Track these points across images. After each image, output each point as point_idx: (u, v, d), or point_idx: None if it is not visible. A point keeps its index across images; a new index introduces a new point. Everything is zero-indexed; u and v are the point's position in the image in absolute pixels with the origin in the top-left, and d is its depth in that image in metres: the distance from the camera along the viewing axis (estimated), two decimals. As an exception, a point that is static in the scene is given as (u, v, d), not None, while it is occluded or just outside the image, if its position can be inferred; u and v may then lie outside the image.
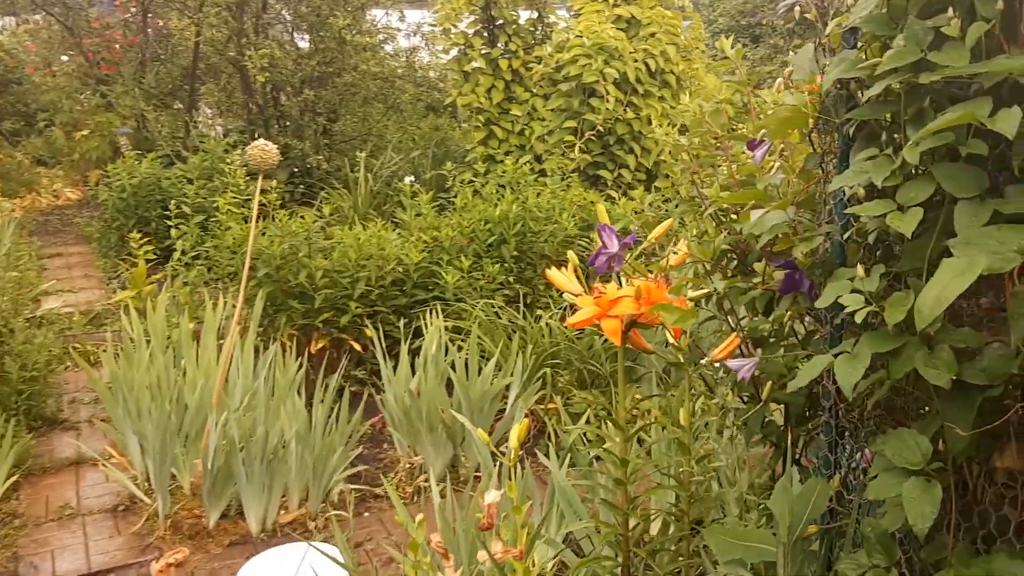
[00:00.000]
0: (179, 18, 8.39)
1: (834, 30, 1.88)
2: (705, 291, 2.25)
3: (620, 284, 2.10)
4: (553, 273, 2.15)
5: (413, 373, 3.90)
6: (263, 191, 7.54)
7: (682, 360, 2.06)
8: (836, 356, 1.67)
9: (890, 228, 1.58)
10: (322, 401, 3.69)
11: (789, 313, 2.24)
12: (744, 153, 2.51)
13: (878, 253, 1.84)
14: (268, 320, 4.40)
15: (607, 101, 5.29)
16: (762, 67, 8.88)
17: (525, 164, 5.67)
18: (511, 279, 4.83)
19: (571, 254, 2.19)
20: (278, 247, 4.31)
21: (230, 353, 3.73)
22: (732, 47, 2.49)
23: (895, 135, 1.71)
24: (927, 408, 1.73)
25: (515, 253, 4.94)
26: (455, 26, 7.07)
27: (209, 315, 4.10)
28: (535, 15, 7.23)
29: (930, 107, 1.65)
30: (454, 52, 7.23)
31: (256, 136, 7.93)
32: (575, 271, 2.16)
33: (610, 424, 2.46)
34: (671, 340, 2.05)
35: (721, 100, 2.69)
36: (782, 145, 2.38)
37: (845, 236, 1.89)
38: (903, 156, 1.56)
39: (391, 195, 7.61)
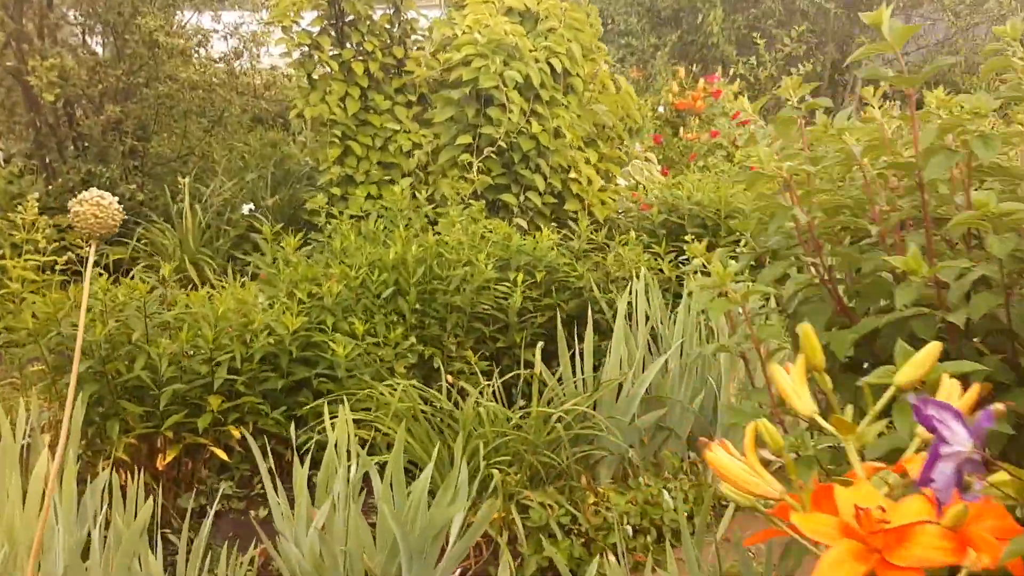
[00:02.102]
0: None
1: None
2: None
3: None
4: (719, 458, 1.13)
5: (312, 499, 2.80)
6: (59, 229, 6.09)
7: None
8: None
9: None
10: (187, 560, 2.54)
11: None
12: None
13: None
14: (94, 430, 3.16)
15: (510, 111, 4.33)
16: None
17: (407, 188, 4.62)
18: (413, 339, 3.79)
19: (755, 428, 1.14)
20: (101, 329, 3.07)
21: (50, 495, 2.50)
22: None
23: None
24: None
25: (416, 306, 3.90)
26: (296, 23, 5.90)
27: (6, 433, 2.82)
28: (391, 10, 6.16)
29: None
30: (295, 55, 6.05)
31: (48, 163, 6.43)
32: (752, 448, 1.15)
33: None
34: None
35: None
36: None
37: None
38: None
39: (224, 229, 6.33)
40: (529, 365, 4.13)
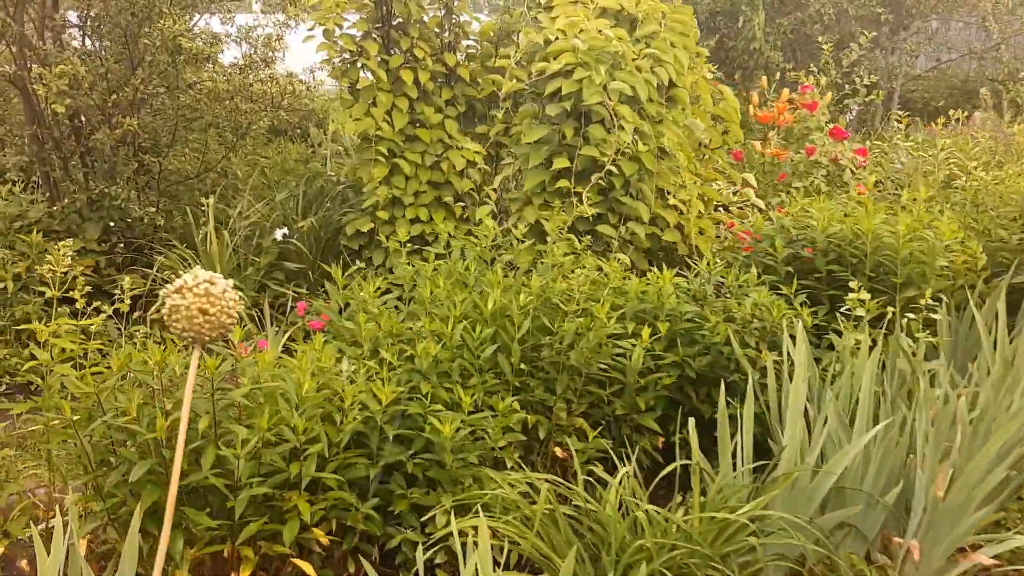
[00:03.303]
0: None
1: None
2: None
3: None
4: None
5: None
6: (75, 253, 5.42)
7: None
8: None
9: None
10: None
11: None
12: None
13: None
14: (150, 546, 2.48)
15: (622, 129, 3.67)
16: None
17: (486, 219, 3.95)
18: (517, 406, 3.13)
19: None
20: (163, 424, 2.38)
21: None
22: None
23: None
24: None
25: (521, 366, 3.24)
26: (339, 26, 5.23)
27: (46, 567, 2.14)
28: (441, 11, 5.50)
29: None
30: (335, 62, 5.39)
31: (53, 181, 5.71)
32: None
33: None
34: None
35: None
36: None
37: None
38: None
39: (252, 259, 5.64)
40: (651, 435, 3.49)
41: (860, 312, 3.21)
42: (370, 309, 3.21)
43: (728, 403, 3.37)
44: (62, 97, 5.00)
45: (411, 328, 3.25)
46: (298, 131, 8.43)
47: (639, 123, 3.71)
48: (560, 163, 3.76)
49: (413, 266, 3.55)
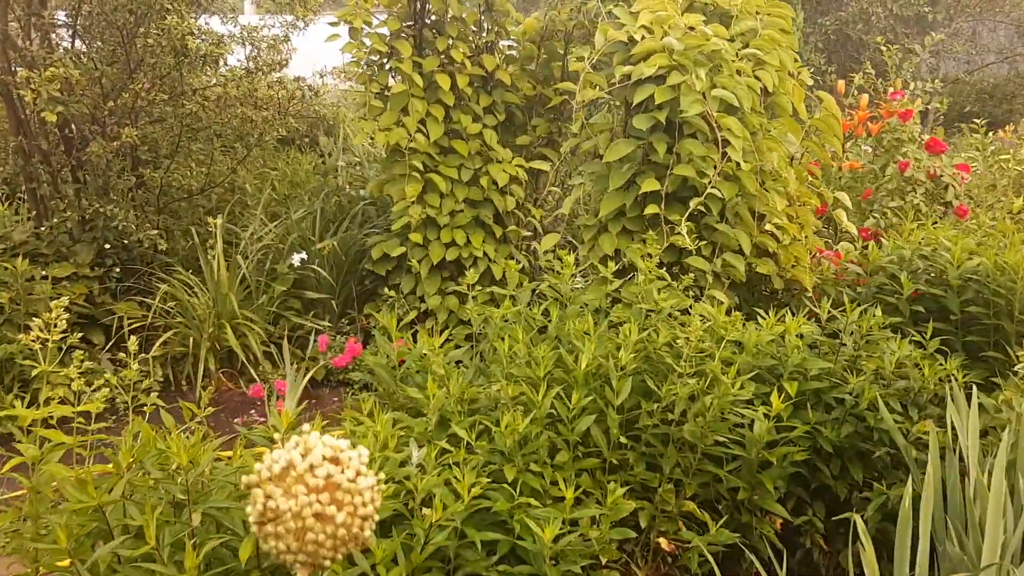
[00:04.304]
0: None
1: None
2: None
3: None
4: None
5: None
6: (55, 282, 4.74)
7: None
8: None
9: None
10: None
11: None
12: None
13: None
14: None
15: (727, 144, 3.06)
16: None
17: (551, 250, 3.34)
18: (619, 490, 2.51)
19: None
20: (193, 562, 1.76)
21: None
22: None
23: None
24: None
25: (621, 439, 2.63)
26: (367, 24, 4.61)
27: None
28: (480, 8, 4.88)
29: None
30: (363, 64, 4.77)
31: (40, 199, 5.06)
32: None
33: None
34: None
35: None
36: None
37: None
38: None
39: (266, 286, 5.00)
40: (790, 531, 2.87)
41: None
42: (436, 370, 2.58)
43: (871, 484, 2.78)
44: (53, 104, 4.36)
45: (484, 391, 2.63)
46: (307, 140, 7.80)
47: (746, 137, 3.10)
48: (649, 184, 3.14)
49: (481, 313, 2.90)
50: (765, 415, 2.61)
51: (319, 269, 4.95)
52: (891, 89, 5.31)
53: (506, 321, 2.86)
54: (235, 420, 4.49)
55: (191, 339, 4.70)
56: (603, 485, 2.62)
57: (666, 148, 3.15)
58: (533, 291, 3.26)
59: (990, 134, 5.61)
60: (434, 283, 4.82)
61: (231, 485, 1.98)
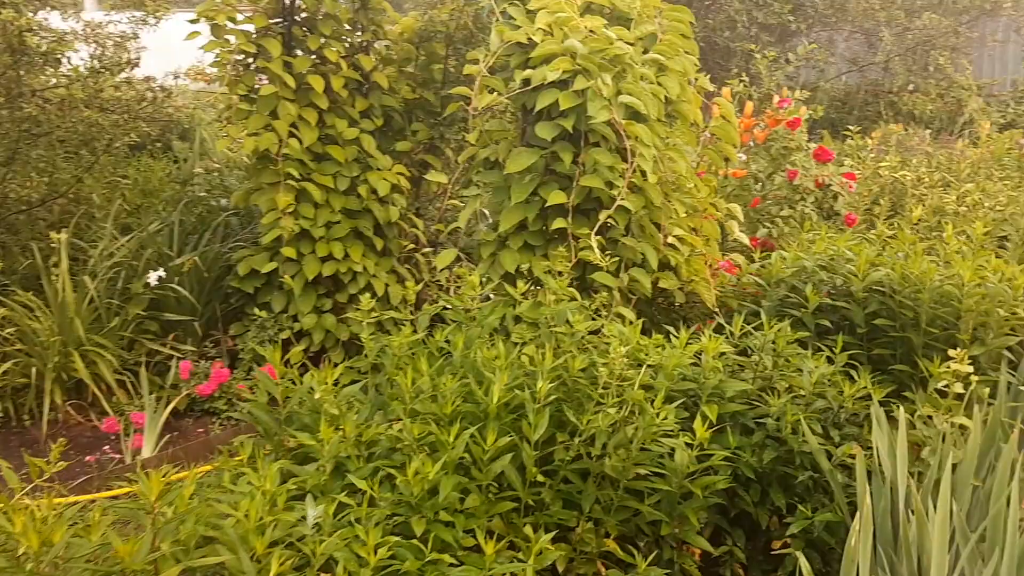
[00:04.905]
0: None
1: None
2: None
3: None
4: None
5: None
6: None
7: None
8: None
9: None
10: None
11: None
12: None
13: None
14: None
15: (640, 155, 2.86)
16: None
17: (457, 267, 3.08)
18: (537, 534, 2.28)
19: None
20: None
21: None
22: None
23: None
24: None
25: (537, 477, 2.40)
26: (231, 20, 4.22)
27: None
28: (355, 5, 4.57)
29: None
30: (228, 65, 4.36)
31: None
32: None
33: None
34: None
35: None
36: None
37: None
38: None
39: (119, 307, 4.52)
40: (710, 561, 2.71)
41: (959, 388, 2.53)
42: (329, 409, 2.28)
43: (793, 508, 2.65)
44: None
45: (385, 432, 2.34)
46: (159, 144, 7.24)
47: (656, 146, 2.93)
48: (556, 197, 2.92)
49: (378, 341, 2.61)
50: (688, 444, 2.44)
51: (179, 288, 4.51)
52: (775, 96, 5.31)
53: (412, 355, 2.56)
54: (86, 459, 4.02)
55: (33, 368, 4.19)
56: (518, 528, 2.38)
57: (571, 157, 2.94)
58: (433, 316, 2.98)
59: (866, 139, 5.71)
60: (309, 301, 4.47)
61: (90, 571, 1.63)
